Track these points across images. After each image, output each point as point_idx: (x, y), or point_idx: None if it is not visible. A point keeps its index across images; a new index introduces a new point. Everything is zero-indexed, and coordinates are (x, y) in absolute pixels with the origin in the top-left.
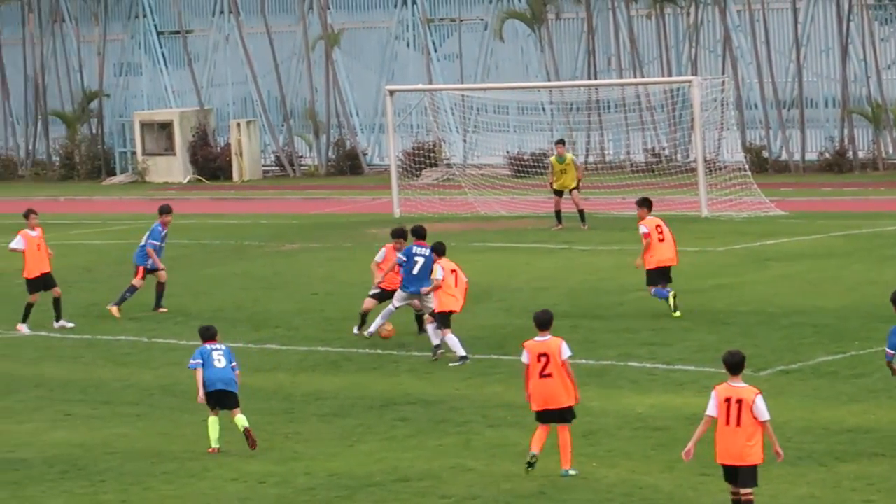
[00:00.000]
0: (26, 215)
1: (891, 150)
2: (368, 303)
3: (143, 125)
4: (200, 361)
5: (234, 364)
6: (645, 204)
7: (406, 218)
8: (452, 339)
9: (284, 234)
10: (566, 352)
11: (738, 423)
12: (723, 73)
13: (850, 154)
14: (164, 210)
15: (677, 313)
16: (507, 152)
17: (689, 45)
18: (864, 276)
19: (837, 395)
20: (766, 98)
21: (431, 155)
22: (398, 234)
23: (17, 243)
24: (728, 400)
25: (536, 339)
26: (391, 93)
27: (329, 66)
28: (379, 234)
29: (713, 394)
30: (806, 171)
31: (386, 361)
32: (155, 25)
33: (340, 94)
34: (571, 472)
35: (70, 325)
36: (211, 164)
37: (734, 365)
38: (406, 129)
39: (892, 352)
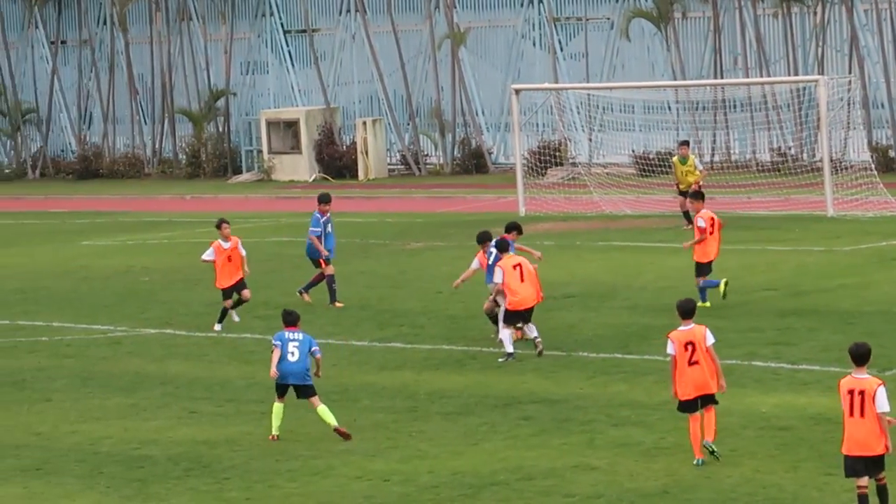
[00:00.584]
0: (218, 225)
1: None
2: (487, 305)
3: (269, 123)
4: (279, 344)
5: (314, 349)
6: (700, 197)
7: (531, 217)
8: (505, 334)
9: (409, 232)
10: (710, 338)
11: (862, 415)
12: (849, 73)
13: None
14: (323, 199)
15: (725, 298)
16: (633, 151)
17: (815, 44)
18: None
19: None
20: (893, 97)
21: (557, 154)
22: (483, 238)
23: (208, 255)
24: (851, 392)
25: (681, 328)
26: (517, 92)
27: (455, 65)
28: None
29: (839, 385)
30: None
31: (510, 360)
32: (281, 24)
33: (466, 93)
34: (713, 446)
35: (236, 318)
36: (336, 163)
37: (859, 356)
38: (531, 128)
39: None
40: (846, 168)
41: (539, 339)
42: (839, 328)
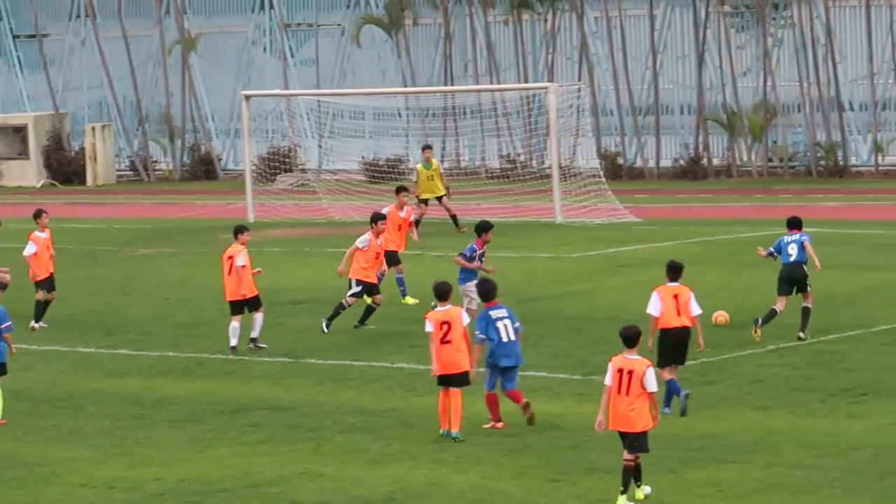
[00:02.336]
0: (38, 215)
1: (745, 158)
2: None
3: None
4: None
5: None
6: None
7: (260, 223)
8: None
9: (138, 239)
10: (466, 318)
11: (628, 393)
12: (579, 80)
13: (704, 161)
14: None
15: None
16: (363, 158)
17: (546, 51)
18: (719, 283)
19: (690, 403)
20: (622, 105)
21: (286, 160)
22: (376, 218)
23: (29, 249)
24: (621, 371)
25: (438, 308)
26: (247, 98)
27: (185, 71)
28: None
29: (609, 365)
30: (661, 178)
31: (238, 367)
32: (11, 29)
33: (196, 99)
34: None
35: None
36: (65, 168)
37: (629, 339)
38: (261, 135)
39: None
40: (575, 175)
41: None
42: (567, 335)
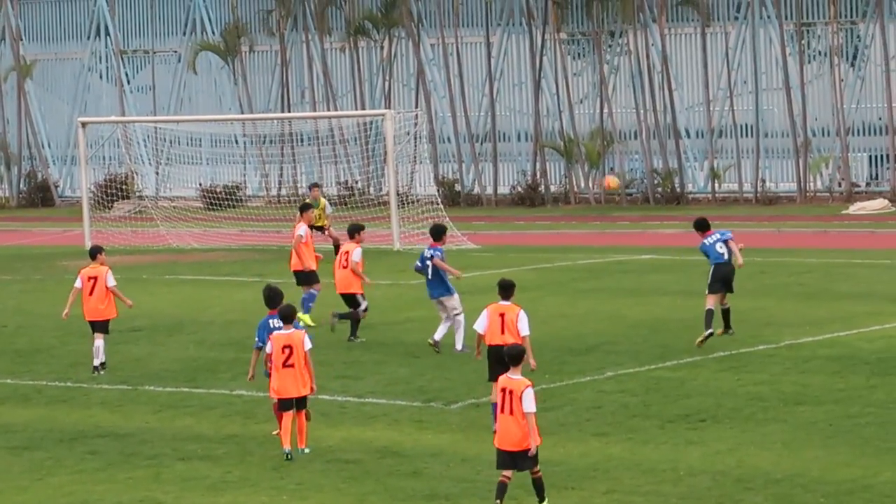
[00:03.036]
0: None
1: (582, 185)
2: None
3: None
4: None
5: None
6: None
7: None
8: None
9: None
10: (308, 344)
11: (511, 412)
12: (416, 107)
13: (542, 188)
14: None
15: None
16: (200, 185)
17: (382, 78)
18: (557, 310)
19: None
20: (460, 132)
21: (124, 187)
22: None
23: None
24: (504, 390)
25: (282, 331)
26: (83, 125)
27: (21, 98)
28: (70, 265)
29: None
30: (498, 205)
31: (76, 394)
32: None
33: (33, 126)
34: (307, 451)
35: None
36: None
37: (511, 357)
38: (98, 161)
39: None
40: (413, 202)
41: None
42: (405, 361)
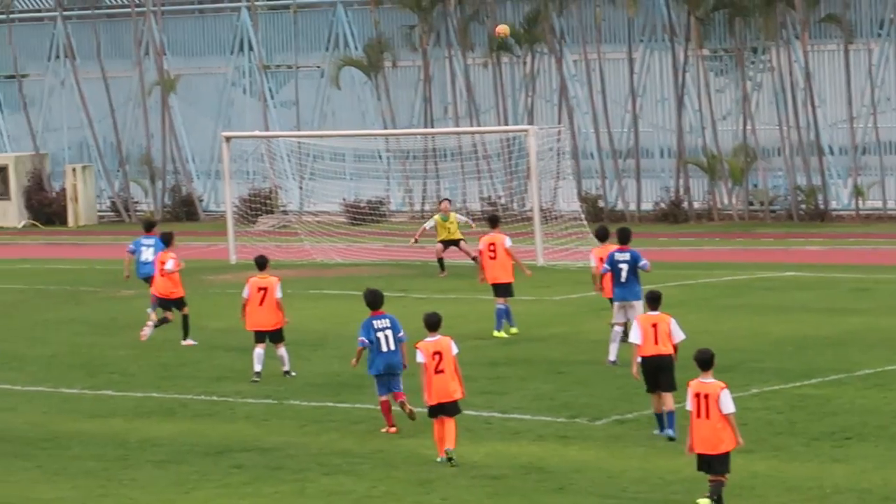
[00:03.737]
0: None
1: (725, 201)
2: None
3: None
4: None
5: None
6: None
7: (242, 265)
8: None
9: (120, 279)
10: (455, 348)
11: (708, 416)
12: (559, 123)
13: (685, 204)
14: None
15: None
16: (344, 200)
17: (525, 94)
18: (700, 327)
19: (674, 446)
20: (602, 148)
21: (267, 202)
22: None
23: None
24: (698, 395)
25: (428, 339)
26: (227, 139)
27: (165, 112)
28: (215, 280)
29: (687, 390)
30: (641, 221)
31: (222, 408)
32: None
33: (176, 140)
34: (452, 454)
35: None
36: (46, 209)
37: (703, 362)
38: (242, 176)
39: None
40: (556, 218)
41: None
42: (550, 377)
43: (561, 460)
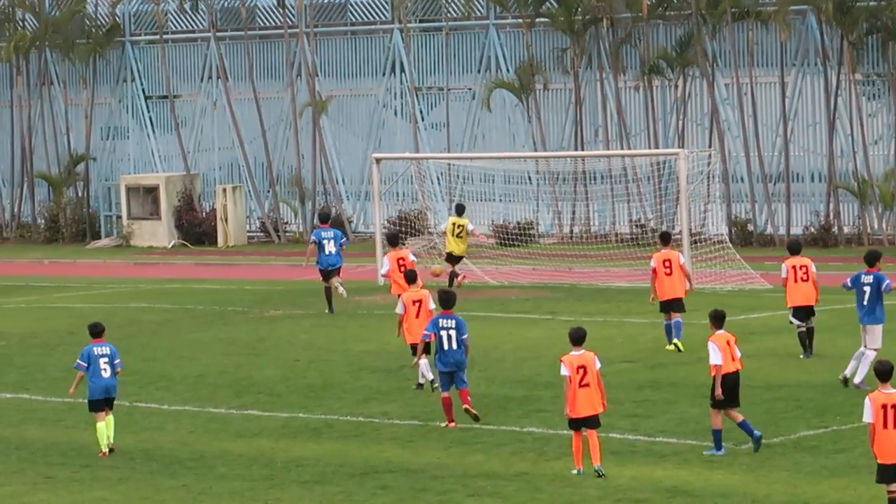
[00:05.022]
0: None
1: (876, 226)
2: None
3: (129, 189)
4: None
5: (116, 362)
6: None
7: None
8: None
9: (268, 300)
10: (598, 363)
11: None
12: (709, 146)
13: (835, 229)
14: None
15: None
16: (493, 222)
17: (676, 117)
18: (849, 351)
19: (819, 470)
20: (753, 171)
21: (416, 223)
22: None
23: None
24: (885, 406)
25: (573, 353)
26: (378, 160)
27: (316, 133)
28: (363, 301)
29: (867, 402)
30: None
31: (367, 429)
32: (143, 89)
33: (327, 161)
34: (602, 470)
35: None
36: (196, 229)
37: (884, 373)
38: (392, 197)
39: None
40: (705, 241)
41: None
42: (696, 401)
43: (706, 484)
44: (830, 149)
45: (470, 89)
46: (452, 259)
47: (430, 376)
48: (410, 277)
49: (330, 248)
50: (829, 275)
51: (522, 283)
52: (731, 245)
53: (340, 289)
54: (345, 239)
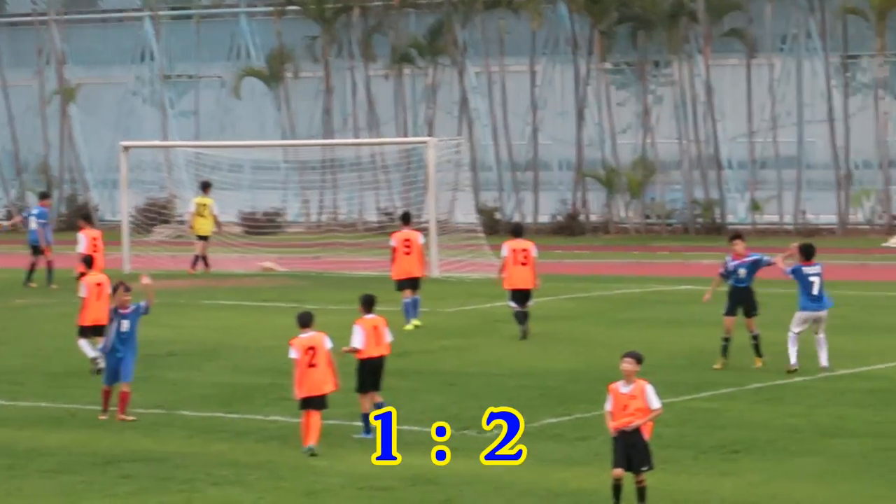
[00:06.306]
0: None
1: (622, 214)
2: None
3: None
4: None
5: None
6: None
7: (136, 274)
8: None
9: (14, 289)
10: (329, 343)
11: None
12: (459, 135)
13: (582, 217)
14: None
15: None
16: (241, 211)
17: (426, 105)
18: (594, 339)
19: (562, 458)
20: (501, 160)
21: (164, 212)
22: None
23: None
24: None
25: (301, 335)
26: (126, 148)
27: (64, 121)
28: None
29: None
30: (538, 234)
31: (111, 418)
32: None
33: (75, 149)
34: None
35: None
36: None
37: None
38: (140, 186)
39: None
40: (453, 230)
41: None
42: (441, 390)
43: (449, 472)
44: (579, 137)
45: (220, 77)
46: (203, 239)
47: (93, 354)
48: (87, 263)
49: (32, 224)
50: (575, 262)
51: (270, 272)
52: (481, 234)
53: None
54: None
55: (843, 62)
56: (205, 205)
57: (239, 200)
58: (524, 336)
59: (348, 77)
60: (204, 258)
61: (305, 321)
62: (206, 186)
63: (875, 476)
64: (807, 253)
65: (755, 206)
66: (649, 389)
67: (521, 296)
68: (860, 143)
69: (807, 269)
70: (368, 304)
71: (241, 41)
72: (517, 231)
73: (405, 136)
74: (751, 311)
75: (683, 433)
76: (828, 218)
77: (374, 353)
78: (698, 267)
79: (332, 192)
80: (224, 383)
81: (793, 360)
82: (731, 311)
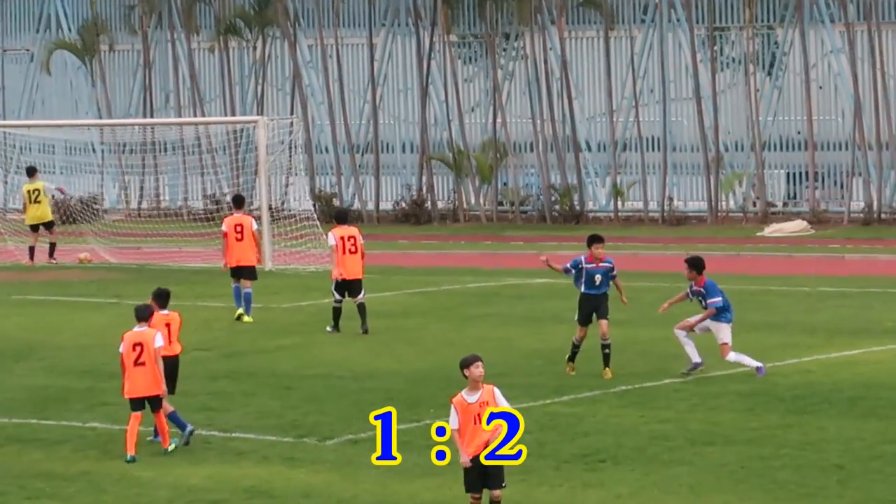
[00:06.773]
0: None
1: (472, 201)
2: None
3: None
4: None
5: None
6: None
7: None
8: None
9: None
10: (160, 341)
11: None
12: (291, 114)
13: (428, 204)
14: None
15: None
16: (53, 197)
17: (255, 81)
18: (443, 337)
19: (411, 468)
20: (339, 141)
21: None
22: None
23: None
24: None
25: (134, 329)
26: None
27: None
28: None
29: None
30: (381, 222)
31: None
32: None
33: None
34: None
35: None
36: None
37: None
38: None
39: None
40: (287, 217)
41: None
42: (277, 393)
43: (287, 484)
44: (423, 117)
45: (28, 50)
46: (46, 227)
47: None
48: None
49: None
50: (421, 253)
51: (86, 265)
52: (317, 222)
53: None
54: None
55: (710, 34)
56: (37, 190)
57: (51, 185)
58: (365, 332)
59: (169, 50)
60: (52, 245)
61: (140, 314)
62: (32, 171)
63: (752, 487)
64: (697, 267)
65: (618, 192)
66: (498, 392)
67: (352, 287)
68: (730, 123)
69: (696, 288)
70: (162, 297)
71: (51, 11)
72: (342, 217)
73: (233, 114)
74: (604, 314)
75: (543, 441)
76: (697, 205)
77: (168, 352)
78: (555, 258)
79: (154, 176)
80: (37, 386)
81: (695, 358)
82: (585, 321)
